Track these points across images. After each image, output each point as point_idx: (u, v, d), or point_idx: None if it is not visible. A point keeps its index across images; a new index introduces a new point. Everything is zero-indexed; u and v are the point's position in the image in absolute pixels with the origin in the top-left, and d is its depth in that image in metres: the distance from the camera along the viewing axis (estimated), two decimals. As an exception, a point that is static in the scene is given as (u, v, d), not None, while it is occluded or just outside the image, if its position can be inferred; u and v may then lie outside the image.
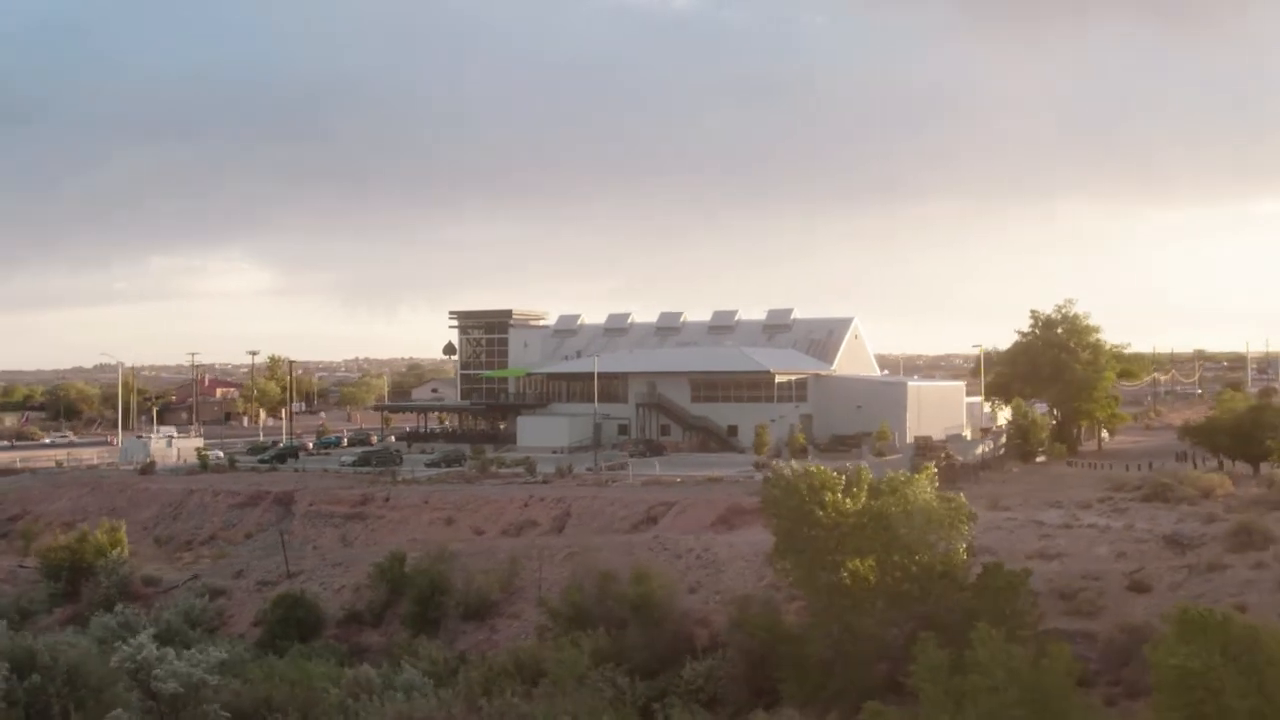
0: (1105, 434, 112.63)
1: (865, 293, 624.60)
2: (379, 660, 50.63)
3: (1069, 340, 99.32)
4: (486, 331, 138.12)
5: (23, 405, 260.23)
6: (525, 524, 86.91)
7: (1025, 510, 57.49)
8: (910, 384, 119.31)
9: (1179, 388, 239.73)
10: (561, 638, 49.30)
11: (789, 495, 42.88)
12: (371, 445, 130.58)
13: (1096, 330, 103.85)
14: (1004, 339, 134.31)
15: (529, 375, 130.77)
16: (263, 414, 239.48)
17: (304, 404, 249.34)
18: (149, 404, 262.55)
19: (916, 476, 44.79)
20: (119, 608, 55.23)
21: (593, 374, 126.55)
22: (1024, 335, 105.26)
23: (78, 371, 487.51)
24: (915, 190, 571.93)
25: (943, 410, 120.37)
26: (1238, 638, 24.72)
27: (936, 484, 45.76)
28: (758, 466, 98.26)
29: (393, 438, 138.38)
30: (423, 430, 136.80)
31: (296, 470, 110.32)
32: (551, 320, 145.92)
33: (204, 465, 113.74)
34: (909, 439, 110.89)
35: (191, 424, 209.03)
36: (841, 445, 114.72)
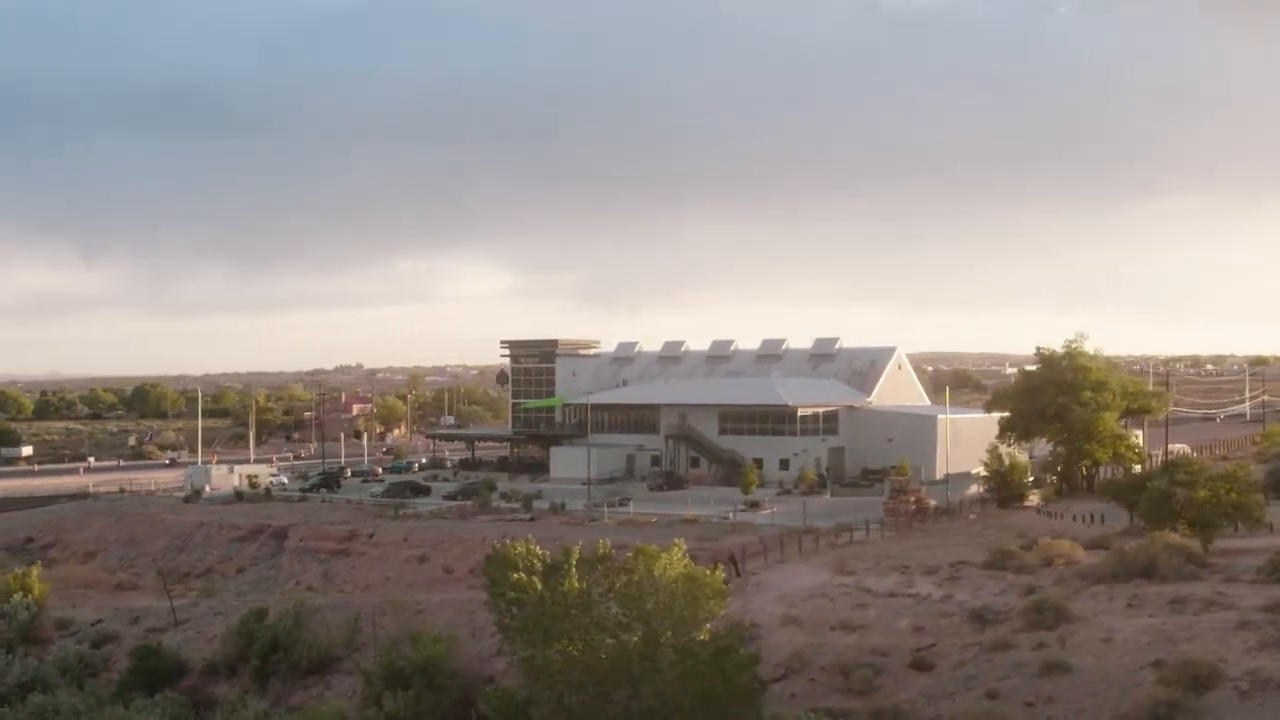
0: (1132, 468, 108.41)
1: (1113, 290, 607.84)
2: (216, 713, 52.88)
3: (1073, 379, 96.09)
4: (538, 360, 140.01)
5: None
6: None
7: (869, 575, 56.32)
8: (941, 416, 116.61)
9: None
10: (370, 698, 50.87)
11: (501, 570, 43.11)
12: (406, 475, 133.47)
13: (1113, 368, 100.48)
14: (1255, 341, 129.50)
15: (565, 406, 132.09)
16: (398, 431, 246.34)
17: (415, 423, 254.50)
18: (290, 417, 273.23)
19: (664, 552, 44.54)
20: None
21: (634, 405, 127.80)
22: (1029, 373, 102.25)
23: (318, 373, 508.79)
24: (1167, 185, 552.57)
25: (978, 443, 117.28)
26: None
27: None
28: (749, 506, 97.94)
29: (449, 465, 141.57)
30: (472, 459, 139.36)
31: (324, 501, 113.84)
32: (608, 348, 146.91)
33: (239, 495, 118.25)
34: (939, 474, 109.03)
35: (310, 443, 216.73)
36: (865, 480, 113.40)
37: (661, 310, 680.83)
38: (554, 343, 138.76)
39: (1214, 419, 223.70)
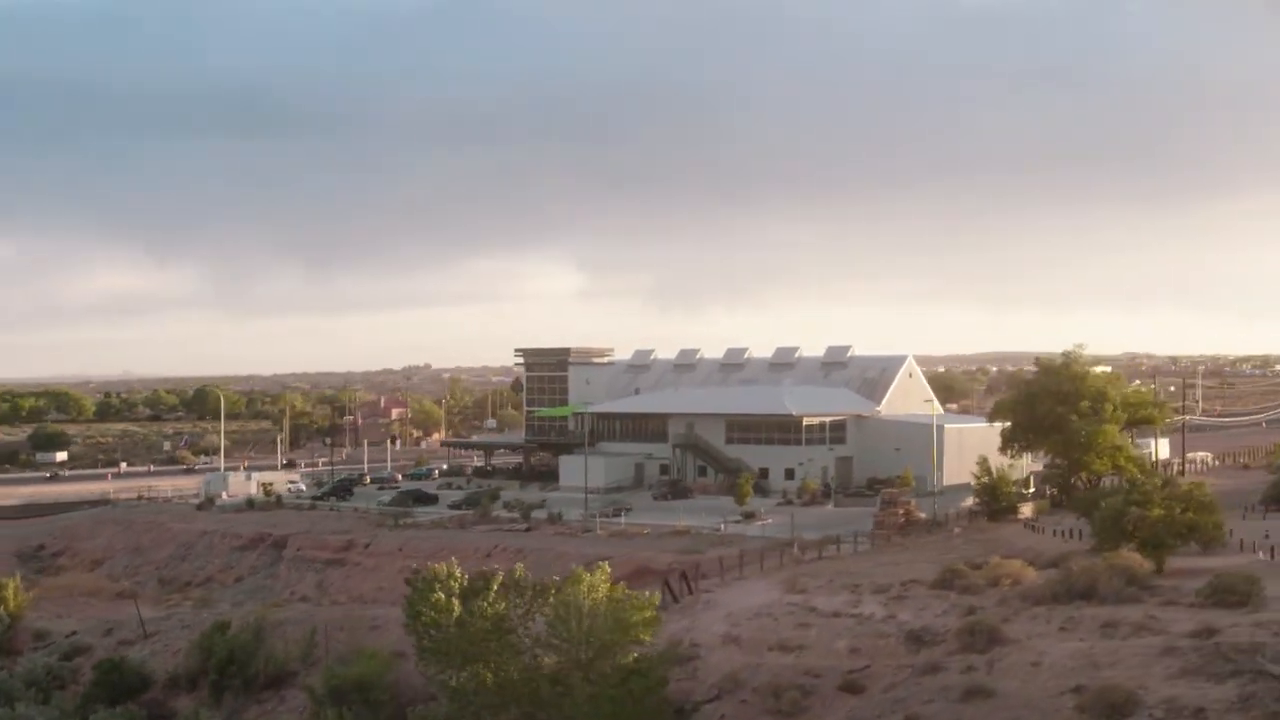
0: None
1: (1188, 289, 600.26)
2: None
3: (1070, 389, 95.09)
4: (552, 368, 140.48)
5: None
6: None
7: (819, 594, 56.18)
8: (950, 426, 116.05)
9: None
10: (317, 714, 51.50)
11: (423, 593, 43.55)
12: (418, 483, 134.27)
13: (1116, 379, 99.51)
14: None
15: (575, 414, 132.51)
16: (438, 435, 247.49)
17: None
18: (327, 421, 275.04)
19: (590, 575, 44.82)
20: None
21: (640, 414, 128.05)
22: (1027, 382, 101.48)
23: (386, 374, 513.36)
24: (1244, 184, 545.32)
25: (987, 452, 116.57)
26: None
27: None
28: (745, 517, 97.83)
29: (467, 472, 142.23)
30: (488, 467, 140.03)
31: (331, 509, 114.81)
32: (622, 357, 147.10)
33: (250, 503, 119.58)
34: (944, 482, 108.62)
35: (344, 447, 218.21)
36: (870, 490, 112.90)
37: (732, 311, 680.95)
38: (566, 351, 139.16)
39: (1260, 424, 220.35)
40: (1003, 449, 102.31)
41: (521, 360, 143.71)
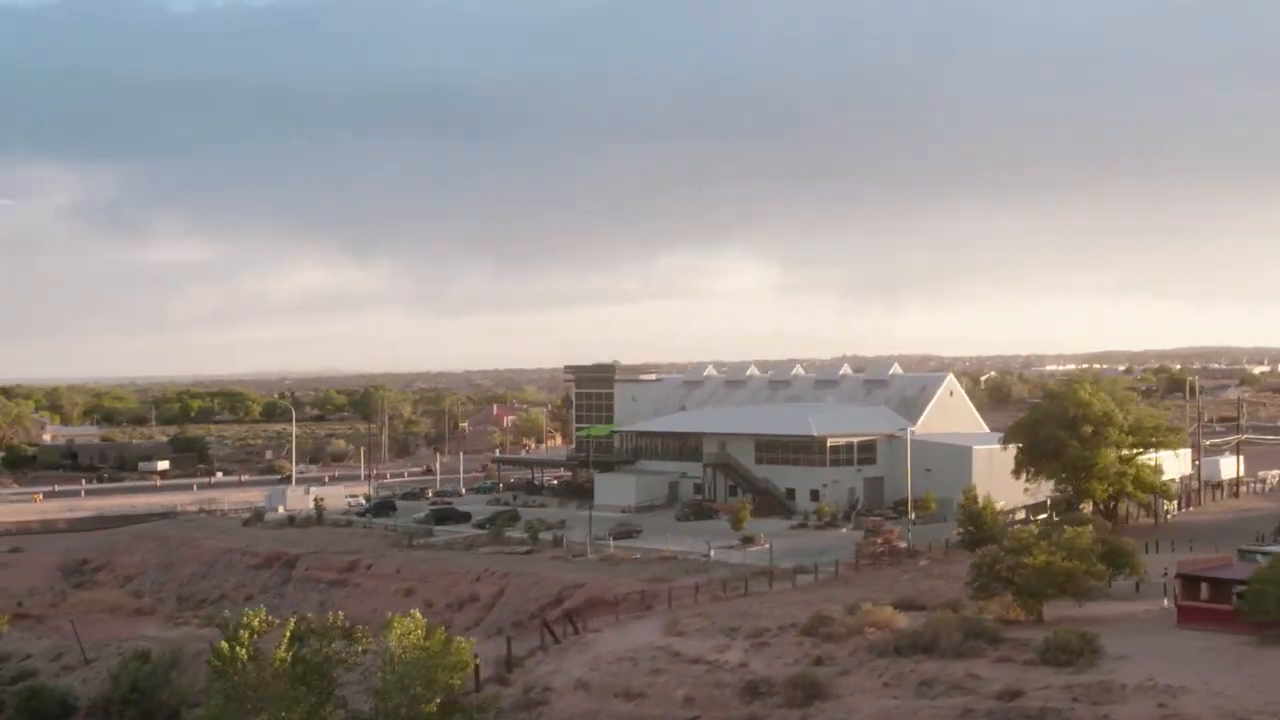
0: (1169, 506, 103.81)
1: None
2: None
3: (1074, 413, 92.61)
4: (599, 386, 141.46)
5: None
6: (467, 599, 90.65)
7: (695, 638, 56.03)
8: (978, 447, 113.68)
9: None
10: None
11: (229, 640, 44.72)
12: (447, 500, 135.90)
13: (1126, 401, 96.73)
14: None
15: (613, 433, 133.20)
16: (549, 443, 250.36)
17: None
18: (449, 427, 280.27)
19: (402, 621, 45.64)
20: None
21: (676, 433, 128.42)
22: (1034, 407, 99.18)
23: (573, 370, 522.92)
24: None
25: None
26: None
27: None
28: (744, 542, 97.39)
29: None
30: (533, 484, 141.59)
31: (365, 527, 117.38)
32: (661, 375, 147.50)
33: (290, 520, 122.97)
34: (995, 505, 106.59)
35: (443, 456, 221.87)
36: (895, 512, 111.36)
37: (933, 306, 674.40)
38: (612, 368, 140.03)
39: None
40: (1015, 474, 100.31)
41: (571, 377, 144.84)
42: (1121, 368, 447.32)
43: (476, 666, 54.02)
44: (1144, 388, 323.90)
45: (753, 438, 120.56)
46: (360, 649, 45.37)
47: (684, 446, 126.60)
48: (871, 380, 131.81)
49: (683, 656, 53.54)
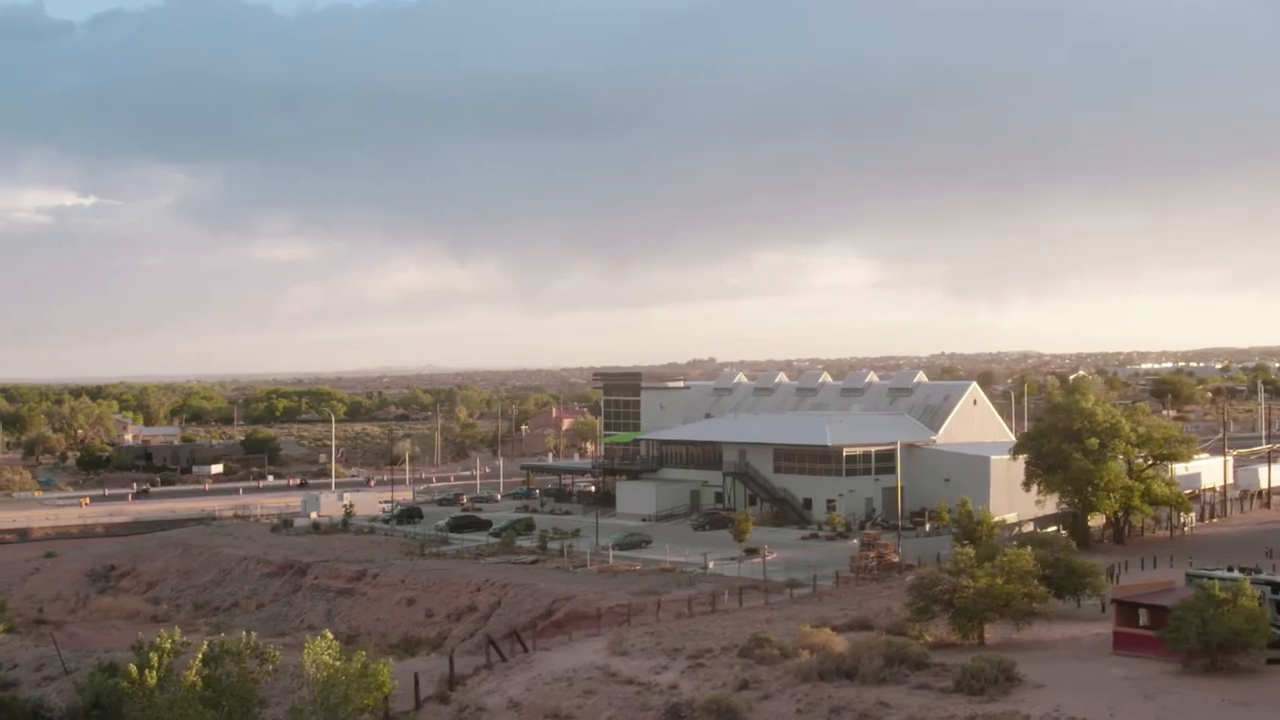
0: (1186, 519, 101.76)
1: None
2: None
3: (1079, 425, 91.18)
4: (626, 393, 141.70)
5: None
6: (466, 610, 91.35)
7: (636, 657, 56.02)
8: (995, 458, 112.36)
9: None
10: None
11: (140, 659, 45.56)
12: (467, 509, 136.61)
13: (1135, 411, 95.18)
14: None
15: (637, 440, 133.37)
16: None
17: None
18: (518, 427, 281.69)
19: (314, 640, 46.26)
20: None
21: (697, 441, 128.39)
22: (1038, 419, 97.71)
23: (671, 367, 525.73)
24: None
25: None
26: None
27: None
28: (748, 553, 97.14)
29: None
30: (561, 490, 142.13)
31: (386, 535, 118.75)
32: (692, 382, 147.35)
33: (315, 527, 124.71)
34: (992, 517, 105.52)
35: (498, 459, 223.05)
36: (911, 523, 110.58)
37: (1036, 302, 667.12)
38: (638, 375, 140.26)
39: None
40: (1025, 486, 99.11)
41: (600, 384, 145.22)
42: (1219, 365, 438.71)
43: (417, 684, 54.82)
44: (1236, 387, 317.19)
45: (771, 447, 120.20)
46: (270, 668, 46.02)
47: (706, 455, 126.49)
48: (896, 388, 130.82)
49: (618, 677, 53.58)
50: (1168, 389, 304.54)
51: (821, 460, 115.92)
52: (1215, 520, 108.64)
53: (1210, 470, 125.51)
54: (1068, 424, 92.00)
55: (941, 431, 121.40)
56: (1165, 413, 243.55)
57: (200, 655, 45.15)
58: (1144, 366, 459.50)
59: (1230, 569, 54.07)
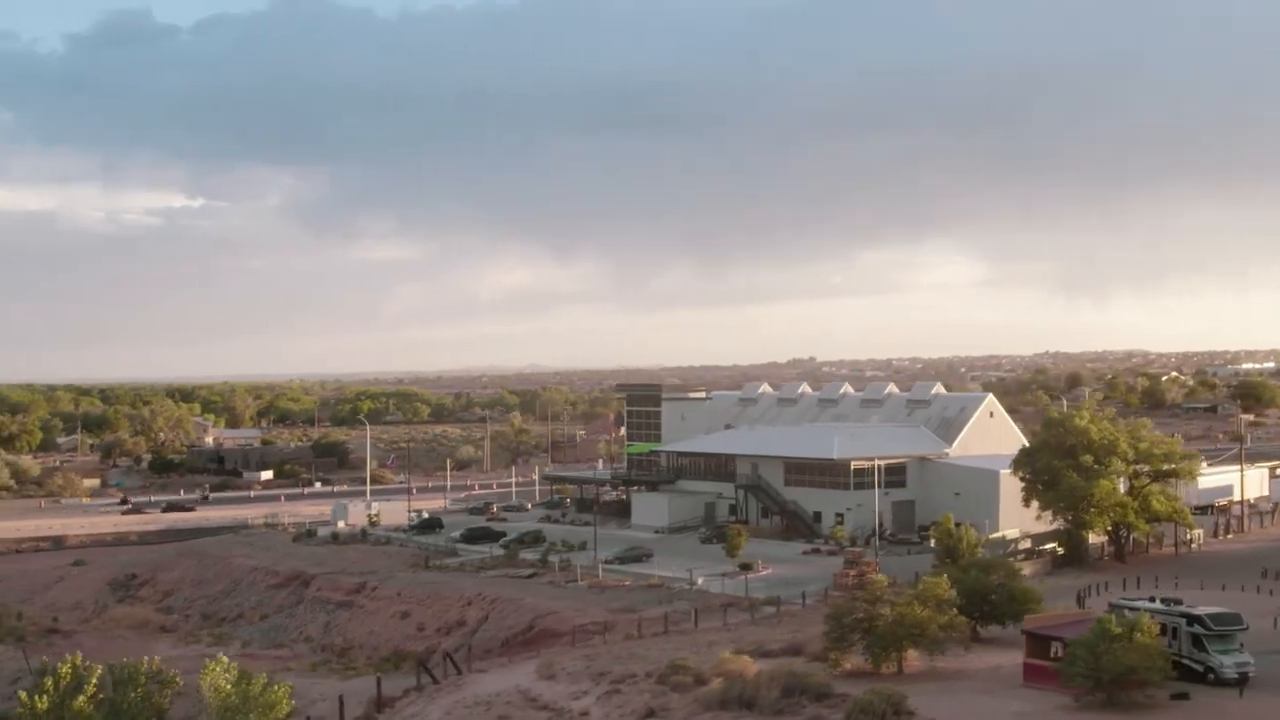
0: (1193, 535, 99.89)
1: None
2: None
3: (1074, 442, 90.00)
4: (648, 404, 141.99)
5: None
6: (455, 624, 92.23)
7: (562, 681, 56.37)
8: (1004, 472, 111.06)
9: None
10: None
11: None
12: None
13: (1136, 428, 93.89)
14: None
15: (653, 451, 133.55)
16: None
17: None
18: (559, 438, 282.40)
19: (211, 664, 47.19)
20: None
21: (715, 453, 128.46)
22: (1033, 436, 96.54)
23: (770, 367, 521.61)
24: None
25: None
26: None
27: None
28: (741, 568, 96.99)
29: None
30: (584, 500, 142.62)
31: (402, 546, 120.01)
32: (712, 394, 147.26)
33: (334, 537, 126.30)
34: (999, 532, 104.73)
35: (550, 464, 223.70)
36: (918, 537, 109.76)
37: (1141, 300, 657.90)
38: (659, 387, 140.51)
39: None
40: (1025, 502, 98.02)
41: (623, 395, 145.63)
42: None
43: (342, 706, 55.71)
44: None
45: (782, 460, 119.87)
46: (169, 694, 46.99)
47: (721, 467, 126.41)
48: (914, 400, 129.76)
49: (536, 703, 54.03)
50: (1248, 391, 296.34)
51: (829, 473, 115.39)
52: (1230, 536, 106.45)
53: (1249, 481, 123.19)
54: (1061, 440, 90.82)
55: (956, 444, 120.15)
56: (1240, 416, 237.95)
57: (93, 680, 46.20)
58: (1246, 366, 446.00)
59: (1152, 599, 53.24)
